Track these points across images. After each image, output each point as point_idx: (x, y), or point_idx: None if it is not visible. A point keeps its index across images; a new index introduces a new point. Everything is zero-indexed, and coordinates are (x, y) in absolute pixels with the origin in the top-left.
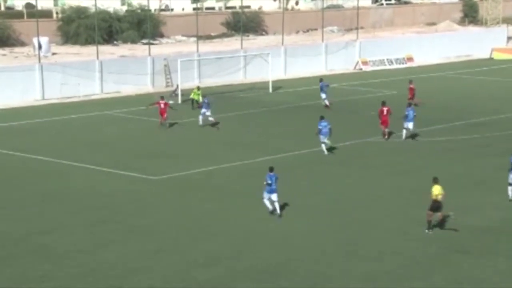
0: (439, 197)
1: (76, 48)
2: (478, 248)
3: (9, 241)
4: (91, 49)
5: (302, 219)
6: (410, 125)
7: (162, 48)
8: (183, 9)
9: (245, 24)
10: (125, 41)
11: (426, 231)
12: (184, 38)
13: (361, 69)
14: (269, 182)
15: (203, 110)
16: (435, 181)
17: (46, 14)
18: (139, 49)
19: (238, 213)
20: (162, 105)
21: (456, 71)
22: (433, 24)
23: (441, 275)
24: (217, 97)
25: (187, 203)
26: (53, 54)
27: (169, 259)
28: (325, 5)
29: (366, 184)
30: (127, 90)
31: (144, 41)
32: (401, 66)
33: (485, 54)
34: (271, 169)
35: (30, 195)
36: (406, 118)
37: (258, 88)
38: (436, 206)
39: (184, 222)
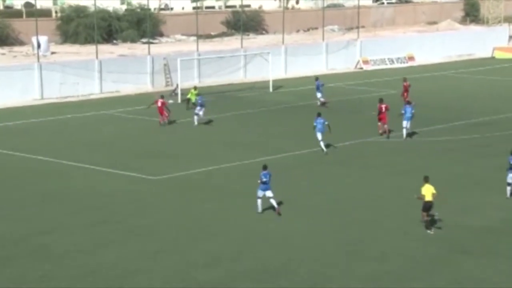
0: (430, 198)
1: (75, 47)
2: (478, 248)
3: (8, 241)
4: (90, 48)
5: (303, 219)
6: (407, 124)
7: (162, 47)
8: (183, 8)
9: (245, 23)
10: (124, 40)
11: (428, 231)
12: (183, 37)
13: (362, 68)
14: (264, 180)
15: (196, 110)
16: (426, 180)
17: (45, 13)
18: (139, 48)
19: (238, 213)
20: (160, 104)
21: (457, 70)
22: (434, 23)
23: (442, 275)
24: (217, 96)
25: (187, 203)
26: (52, 53)
27: (169, 259)
28: (325, 4)
29: (367, 184)
30: (126, 89)
31: (144, 40)
32: (402, 65)
33: (486, 53)
34: (264, 167)
35: (29, 195)
36: (404, 116)
37: (258, 87)
38: (428, 206)
39: (184, 222)
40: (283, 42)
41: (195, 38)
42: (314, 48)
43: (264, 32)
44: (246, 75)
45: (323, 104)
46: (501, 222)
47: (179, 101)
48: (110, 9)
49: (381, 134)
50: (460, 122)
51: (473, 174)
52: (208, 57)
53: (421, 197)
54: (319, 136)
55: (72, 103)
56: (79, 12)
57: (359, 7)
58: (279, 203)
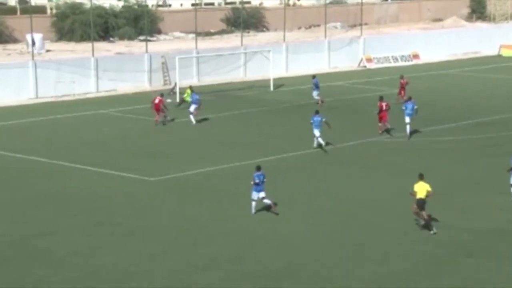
0: (422, 196)
1: (71, 45)
2: (482, 250)
3: (3, 244)
4: (86, 46)
5: (303, 220)
6: (407, 119)
7: (160, 45)
8: (181, 5)
9: (245, 20)
10: (121, 37)
11: (431, 232)
12: (182, 34)
13: (365, 66)
14: (257, 181)
15: (191, 108)
16: (421, 177)
17: (39, 10)
18: (136, 46)
19: (238, 215)
20: (157, 100)
21: (463, 68)
22: (440, 20)
23: (445, 277)
24: (216, 95)
25: (186, 204)
26: (47, 51)
27: (168, 261)
28: (328, 1)
29: (368, 184)
30: (123, 88)
31: (141, 37)
32: (407, 63)
33: (493, 51)
34: (258, 168)
35: (25, 197)
36: (405, 112)
37: (259, 86)
38: (420, 203)
39: (183, 224)
40: (284, 40)
41: (194, 35)
42: (316, 46)
43: (264, 29)
44: (246, 74)
45: (321, 102)
46: (506, 223)
47: (178, 100)
48: (107, 5)
49: (382, 134)
50: (465, 122)
51: (478, 174)
52: (207, 55)
53: (413, 193)
54: (316, 132)
55: (67, 102)
56: (75, 8)
57: (362, 3)
58: (275, 203)
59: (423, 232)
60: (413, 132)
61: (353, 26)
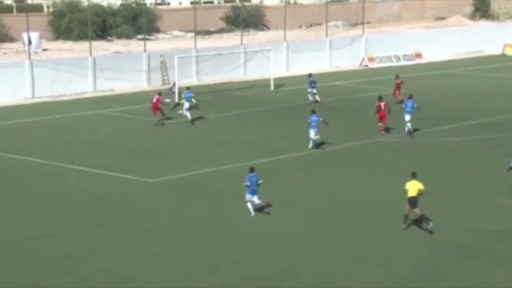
0: (414, 194)
1: (68, 44)
2: (486, 253)
3: None
4: (83, 45)
5: (304, 222)
6: (407, 117)
7: (158, 44)
8: (180, 3)
9: (245, 18)
10: (119, 36)
11: (403, 225)
12: (181, 33)
13: (367, 66)
14: (248, 184)
15: (185, 106)
16: (413, 176)
17: (36, 8)
18: (134, 45)
19: (238, 216)
20: (154, 100)
21: (466, 68)
22: (443, 18)
23: (447, 280)
24: (215, 95)
25: (185, 206)
26: (44, 50)
27: (167, 264)
28: None
29: (369, 185)
30: (121, 88)
31: (140, 36)
32: (409, 62)
33: (497, 50)
34: (251, 170)
35: (21, 198)
36: (404, 110)
37: (259, 86)
38: (412, 201)
39: (182, 226)
40: (284, 39)
41: (193, 34)
42: (317, 45)
43: (265, 28)
44: (246, 73)
45: (316, 102)
46: (507, 224)
47: (176, 99)
48: (104, 4)
49: (383, 134)
50: (468, 122)
51: (481, 176)
52: (206, 54)
53: (404, 191)
54: (312, 133)
55: (64, 102)
56: (72, 7)
57: (364, 2)
58: (268, 205)
59: (423, 232)
60: (414, 129)
61: (354, 24)
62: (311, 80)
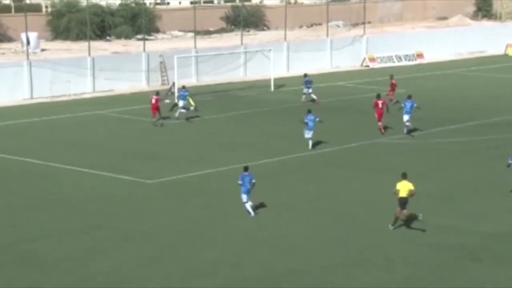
0: (404, 195)
1: (67, 44)
2: (490, 255)
3: None
4: (82, 45)
5: (306, 224)
6: (406, 117)
7: (158, 44)
8: (180, 3)
9: (245, 18)
10: (118, 36)
11: (390, 226)
12: (181, 33)
13: (368, 66)
14: (240, 183)
15: (180, 104)
16: (404, 176)
17: (35, 8)
18: (133, 45)
19: (238, 218)
20: (153, 101)
21: (468, 68)
22: (445, 18)
23: (451, 283)
24: (215, 95)
25: (185, 208)
26: (42, 50)
27: (166, 267)
28: None
29: (374, 187)
30: (120, 88)
31: (139, 36)
32: (411, 63)
33: (499, 50)
34: (245, 169)
35: (17, 200)
36: (403, 110)
37: (259, 86)
38: (402, 202)
39: (181, 228)
40: (285, 39)
41: (192, 34)
42: (318, 45)
43: (265, 28)
44: (246, 73)
45: (312, 100)
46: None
47: (176, 100)
48: (103, 3)
49: (382, 131)
50: (471, 123)
51: (485, 177)
52: (206, 54)
53: (396, 192)
54: (307, 134)
55: (63, 103)
56: (71, 7)
57: (365, 1)
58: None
59: (428, 236)
60: (413, 130)
61: (355, 24)
62: (307, 80)
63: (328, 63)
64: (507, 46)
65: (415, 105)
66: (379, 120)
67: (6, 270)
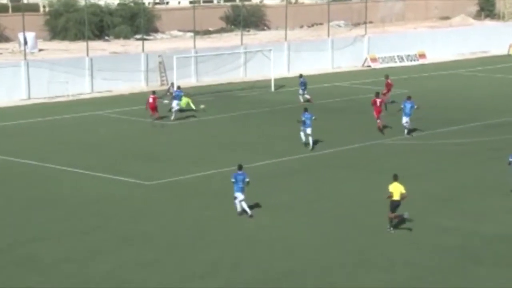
0: (398, 197)
1: (65, 44)
2: (492, 257)
3: None
4: (80, 45)
5: (306, 226)
6: (406, 119)
7: (157, 44)
8: (179, 2)
9: (245, 18)
10: (117, 36)
11: (391, 229)
12: (180, 33)
13: (369, 66)
14: (233, 180)
15: (173, 104)
16: (395, 178)
17: (32, 7)
18: (132, 45)
19: (238, 220)
20: (151, 100)
21: (471, 68)
22: (447, 18)
23: (452, 283)
24: (215, 96)
25: (184, 209)
26: (40, 50)
27: (165, 269)
28: None
29: (375, 188)
30: (119, 88)
31: (138, 36)
32: (413, 63)
33: (502, 50)
34: (239, 167)
35: (15, 202)
36: (403, 111)
37: (259, 86)
38: (395, 205)
39: (181, 230)
40: (285, 39)
41: (192, 34)
42: (319, 45)
43: (265, 28)
44: (246, 74)
45: (307, 100)
46: None
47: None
48: (102, 3)
49: (381, 130)
50: (473, 124)
51: (488, 178)
52: (206, 55)
53: (390, 195)
54: (308, 130)
55: (61, 103)
56: (69, 6)
57: (366, 1)
58: (251, 206)
59: (428, 236)
60: (412, 130)
61: (357, 24)
62: (302, 81)
63: (329, 64)
64: (510, 46)
65: (415, 106)
66: (377, 118)
67: (5, 272)
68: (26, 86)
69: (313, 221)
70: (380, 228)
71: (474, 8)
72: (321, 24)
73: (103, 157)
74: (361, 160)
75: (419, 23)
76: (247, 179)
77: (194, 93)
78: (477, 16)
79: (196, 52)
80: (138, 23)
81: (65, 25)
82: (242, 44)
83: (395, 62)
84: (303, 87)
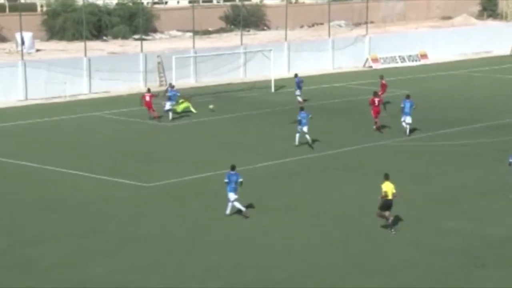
0: (390, 196)
1: (62, 44)
2: (495, 261)
3: None
4: (78, 45)
5: (307, 228)
6: (407, 119)
7: (156, 44)
8: (178, 2)
9: (245, 18)
10: (115, 36)
11: (392, 231)
12: (179, 33)
13: (370, 66)
14: (226, 181)
15: (167, 104)
16: (386, 177)
17: (29, 7)
18: (131, 45)
19: (238, 222)
20: (148, 98)
21: (473, 68)
22: (449, 18)
23: (454, 286)
24: (215, 96)
25: (184, 211)
26: (37, 50)
27: (164, 272)
28: None
29: (375, 190)
30: (117, 89)
31: (136, 36)
32: (414, 63)
33: (505, 51)
34: (232, 168)
35: (12, 204)
36: (402, 111)
37: (259, 87)
38: (388, 204)
39: (180, 233)
40: (286, 39)
41: (191, 34)
42: (320, 45)
43: (265, 28)
44: (246, 74)
45: (300, 102)
46: None
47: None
48: (100, 3)
49: (379, 130)
50: (476, 125)
51: (491, 179)
52: (205, 55)
53: (384, 194)
54: (305, 129)
55: (58, 104)
56: (66, 6)
57: (367, 1)
58: (251, 207)
59: (433, 241)
60: (412, 130)
61: (358, 24)
62: (297, 80)
63: (329, 64)
64: None
65: (414, 106)
66: (376, 117)
67: (2, 274)
68: (24, 86)
69: (313, 223)
70: (380, 229)
71: (476, 8)
72: (321, 24)
73: (101, 158)
74: (361, 161)
75: (420, 23)
76: (240, 179)
77: (194, 93)
78: (480, 16)
79: (196, 52)
80: (136, 23)
81: (63, 25)
82: (242, 44)
83: (397, 62)
84: (299, 87)
